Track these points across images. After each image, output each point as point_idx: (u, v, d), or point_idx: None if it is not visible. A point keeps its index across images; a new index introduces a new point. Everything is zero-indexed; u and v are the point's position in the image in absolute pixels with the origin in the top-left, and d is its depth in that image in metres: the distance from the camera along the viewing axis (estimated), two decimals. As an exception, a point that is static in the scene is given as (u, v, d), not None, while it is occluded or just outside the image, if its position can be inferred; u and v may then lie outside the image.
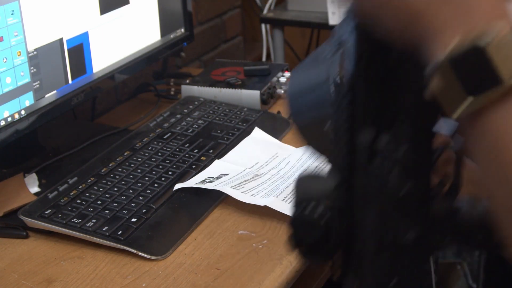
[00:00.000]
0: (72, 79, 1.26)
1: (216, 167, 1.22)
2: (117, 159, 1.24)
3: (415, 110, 0.56)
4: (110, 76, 1.35)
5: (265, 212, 1.10)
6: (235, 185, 1.14)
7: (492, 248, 0.59)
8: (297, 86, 0.69)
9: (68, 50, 1.25)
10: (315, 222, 0.59)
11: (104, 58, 1.34)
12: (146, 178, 1.19)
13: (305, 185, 0.60)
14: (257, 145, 1.30)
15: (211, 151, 1.29)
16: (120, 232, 1.05)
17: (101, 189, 1.15)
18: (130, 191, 1.15)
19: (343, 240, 0.60)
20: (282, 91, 1.54)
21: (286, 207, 1.08)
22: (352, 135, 0.58)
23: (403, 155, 0.56)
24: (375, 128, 0.57)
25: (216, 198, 1.15)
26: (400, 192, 0.56)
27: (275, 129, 1.38)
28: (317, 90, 0.65)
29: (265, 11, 2.19)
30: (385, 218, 0.58)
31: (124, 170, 1.21)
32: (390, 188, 0.56)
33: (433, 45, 0.50)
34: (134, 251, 1.03)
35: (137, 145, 1.29)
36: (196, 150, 1.28)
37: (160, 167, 1.22)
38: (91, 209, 1.10)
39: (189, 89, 1.52)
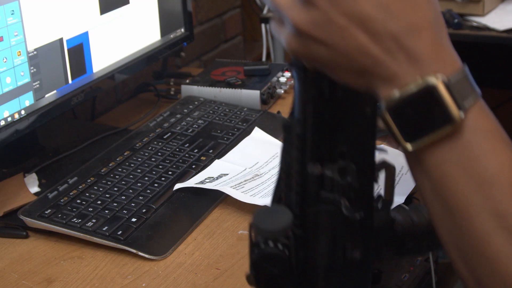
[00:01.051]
0: (72, 79, 1.26)
1: (216, 167, 1.22)
2: (117, 159, 1.24)
3: (358, 145, 0.60)
4: (110, 76, 1.35)
5: (265, 212, 1.10)
6: (235, 185, 1.14)
7: (422, 254, 0.63)
8: None
9: (68, 50, 1.25)
10: (281, 254, 0.61)
11: (104, 58, 1.34)
12: (146, 178, 1.19)
13: (264, 222, 0.62)
14: (257, 145, 1.30)
15: (211, 151, 1.28)
16: (120, 232, 1.05)
17: (101, 189, 1.15)
18: (130, 191, 1.15)
19: (302, 266, 0.64)
20: (282, 91, 1.54)
21: (286, 207, 1.08)
22: (303, 170, 0.61)
23: (349, 187, 0.60)
24: (324, 162, 0.61)
25: (216, 198, 1.15)
26: (350, 218, 0.60)
27: (275, 129, 1.37)
28: None
29: (265, 11, 2.19)
30: (336, 239, 0.62)
31: (124, 170, 1.21)
32: (340, 214, 0.60)
33: (382, 90, 0.53)
34: (134, 251, 1.03)
35: (137, 145, 1.29)
36: (196, 150, 1.28)
37: (160, 167, 1.22)
38: (91, 209, 1.10)
39: (189, 89, 1.52)
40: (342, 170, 0.61)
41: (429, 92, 0.51)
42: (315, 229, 0.63)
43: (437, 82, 0.51)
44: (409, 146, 0.53)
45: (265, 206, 0.64)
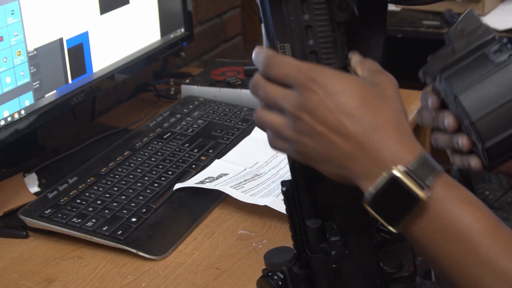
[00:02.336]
0: (72, 78, 1.26)
1: (216, 167, 1.22)
2: (117, 159, 1.24)
3: (343, 210, 0.72)
4: (110, 76, 1.35)
5: (265, 212, 1.10)
6: (235, 185, 1.14)
7: None
8: (477, 98, 0.77)
9: (68, 50, 1.25)
10: (271, 282, 0.76)
11: (104, 57, 1.34)
12: (146, 178, 1.19)
13: (270, 256, 0.78)
14: (257, 145, 1.30)
15: (211, 151, 1.28)
16: (120, 232, 1.05)
17: (101, 189, 1.15)
18: (130, 190, 1.15)
19: None
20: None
21: (286, 207, 1.08)
22: (294, 221, 0.75)
23: (337, 244, 0.73)
24: (321, 217, 0.73)
25: (216, 198, 1.15)
26: (337, 268, 0.73)
27: (275, 129, 1.37)
28: (507, 105, 0.76)
29: (265, 11, 2.18)
30: (332, 284, 0.75)
31: (124, 170, 1.21)
32: (330, 264, 0.73)
33: (360, 185, 0.66)
34: (134, 250, 1.03)
35: (137, 145, 1.29)
36: (196, 150, 1.28)
37: (160, 167, 1.22)
38: (91, 209, 1.10)
39: (189, 89, 1.52)
40: (331, 229, 0.73)
41: (394, 183, 0.64)
42: (315, 272, 0.75)
43: (398, 172, 0.63)
44: (394, 229, 0.65)
45: (282, 247, 0.79)
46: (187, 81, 1.55)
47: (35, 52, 1.17)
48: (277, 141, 0.70)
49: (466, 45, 0.78)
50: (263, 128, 0.71)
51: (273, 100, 0.68)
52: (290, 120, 0.68)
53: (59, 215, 1.08)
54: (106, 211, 1.10)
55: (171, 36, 1.54)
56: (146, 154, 1.26)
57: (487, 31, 0.77)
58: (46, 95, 1.21)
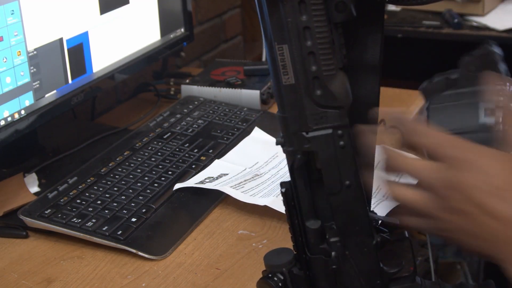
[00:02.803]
0: (72, 78, 1.26)
1: (216, 167, 1.22)
2: (117, 159, 1.24)
3: (343, 211, 0.73)
4: (110, 76, 1.35)
5: (265, 212, 1.10)
6: (235, 185, 1.14)
7: None
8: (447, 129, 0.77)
9: (68, 50, 1.25)
10: (271, 284, 0.76)
11: (104, 57, 1.34)
12: (146, 178, 1.19)
13: (270, 258, 0.78)
14: (257, 145, 1.30)
15: (211, 151, 1.29)
16: (120, 232, 1.05)
17: (101, 189, 1.15)
18: (130, 190, 1.15)
19: None
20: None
21: (286, 207, 1.08)
22: (294, 222, 0.75)
23: (337, 245, 0.73)
24: (320, 218, 0.74)
25: (216, 198, 1.15)
26: (337, 269, 0.74)
27: (275, 129, 1.37)
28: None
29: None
30: (332, 285, 0.76)
31: (124, 170, 1.21)
32: (330, 264, 0.74)
33: (509, 267, 0.65)
34: (134, 251, 1.03)
35: (137, 145, 1.29)
36: (196, 150, 1.28)
37: (160, 167, 1.22)
38: (91, 209, 1.10)
39: (189, 89, 1.52)
40: (331, 230, 0.73)
41: None
42: (315, 273, 0.76)
43: None
44: None
45: (282, 248, 0.79)
46: (187, 81, 1.55)
47: (35, 52, 1.17)
48: (411, 218, 0.69)
49: (468, 83, 0.76)
50: (402, 203, 0.70)
51: (417, 173, 0.67)
52: (437, 197, 0.67)
53: (59, 215, 1.08)
54: (106, 211, 1.10)
55: (171, 36, 1.54)
56: (146, 154, 1.26)
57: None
58: (46, 95, 1.21)
